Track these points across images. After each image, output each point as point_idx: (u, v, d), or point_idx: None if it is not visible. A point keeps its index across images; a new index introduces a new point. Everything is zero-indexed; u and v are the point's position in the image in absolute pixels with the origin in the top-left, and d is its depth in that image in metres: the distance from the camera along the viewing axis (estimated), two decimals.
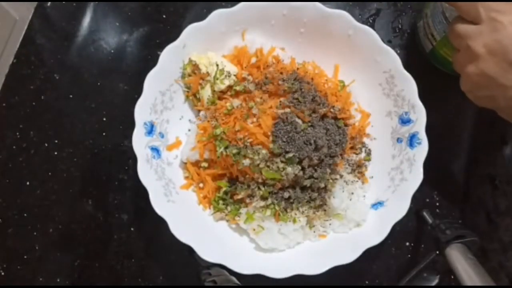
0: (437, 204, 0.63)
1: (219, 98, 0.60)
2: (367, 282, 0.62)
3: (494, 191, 0.58)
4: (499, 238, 0.55)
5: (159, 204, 0.52)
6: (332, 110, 0.57)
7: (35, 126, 0.66)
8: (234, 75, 0.59)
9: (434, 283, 0.56)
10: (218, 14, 0.57)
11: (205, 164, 0.58)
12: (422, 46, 0.64)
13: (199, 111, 0.60)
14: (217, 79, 0.58)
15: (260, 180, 0.54)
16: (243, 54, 0.60)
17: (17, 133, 0.65)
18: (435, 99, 0.58)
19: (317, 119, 0.55)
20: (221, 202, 0.57)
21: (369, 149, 0.61)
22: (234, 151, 0.53)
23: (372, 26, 0.68)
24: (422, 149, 0.55)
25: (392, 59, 0.56)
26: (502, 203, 0.55)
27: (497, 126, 0.62)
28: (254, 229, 0.55)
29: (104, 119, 0.66)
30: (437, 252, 0.55)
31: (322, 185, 0.55)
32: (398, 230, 0.56)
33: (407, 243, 0.62)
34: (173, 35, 0.56)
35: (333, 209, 0.56)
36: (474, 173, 0.62)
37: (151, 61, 0.55)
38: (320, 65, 0.63)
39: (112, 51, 0.68)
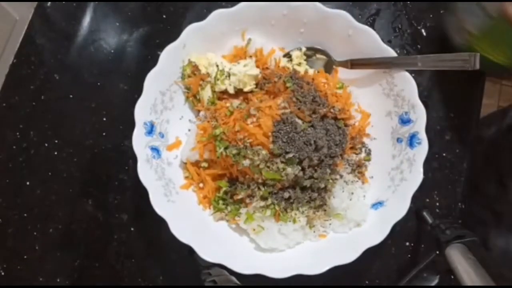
0: (437, 204, 0.63)
1: (219, 98, 0.60)
2: (367, 282, 0.62)
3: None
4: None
5: (159, 204, 0.52)
6: (332, 110, 0.57)
7: (35, 126, 0.66)
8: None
9: (434, 283, 0.56)
10: (218, 14, 0.57)
11: (205, 164, 0.58)
12: (453, 42, 0.60)
13: (199, 111, 0.60)
14: (218, 79, 0.58)
15: (260, 181, 0.54)
16: (243, 53, 0.60)
17: (17, 133, 0.65)
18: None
19: (317, 119, 0.55)
20: (221, 202, 0.57)
21: (369, 149, 0.61)
22: (234, 151, 0.53)
23: (372, 26, 0.68)
24: (422, 149, 0.55)
25: None
26: None
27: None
28: (254, 229, 0.55)
29: (104, 119, 0.66)
30: (437, 252, 0.54)
31: (322, 185, 0.55)
32: (398, 230, 0.56)
33: (407, 243, 0.62)
34: (173, 35, 0.56)
35: (333, 209, 0.56)
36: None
37: (151, 61, 0.55)
38: None
39: (112, 51, 0.68)
